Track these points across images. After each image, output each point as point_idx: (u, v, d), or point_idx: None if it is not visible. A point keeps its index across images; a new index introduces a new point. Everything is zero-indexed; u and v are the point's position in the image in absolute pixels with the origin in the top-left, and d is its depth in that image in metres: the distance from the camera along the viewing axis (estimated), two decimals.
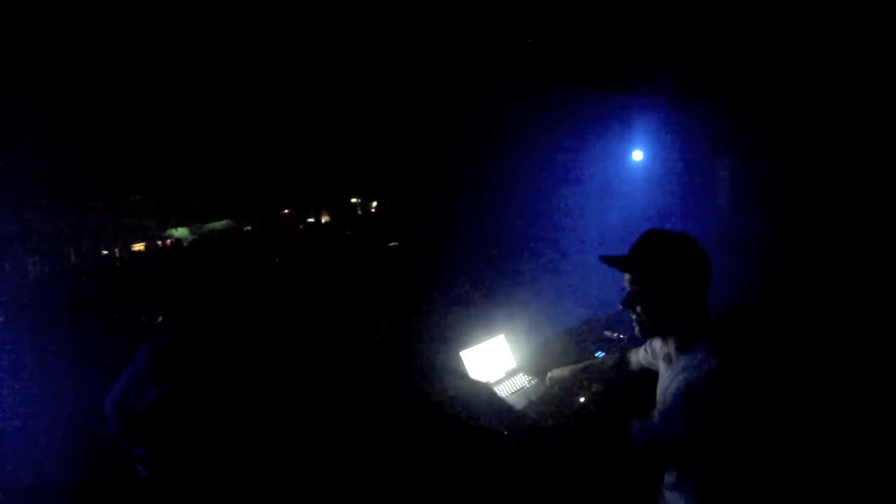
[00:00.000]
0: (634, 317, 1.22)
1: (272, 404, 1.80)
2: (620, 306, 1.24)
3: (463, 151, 6.59)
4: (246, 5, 3.76)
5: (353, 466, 1.87)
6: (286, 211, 19.35)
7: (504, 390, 2.10)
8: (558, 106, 5.33)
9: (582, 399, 1.93)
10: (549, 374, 2.01)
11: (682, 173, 5.47)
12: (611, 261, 1.21)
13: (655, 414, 1.24)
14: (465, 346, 2.16)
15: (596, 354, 2.23)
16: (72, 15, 3.65)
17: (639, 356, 1.63)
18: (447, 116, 6.26)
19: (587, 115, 5.37)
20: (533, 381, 2.16)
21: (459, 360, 2.13)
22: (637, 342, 1.72)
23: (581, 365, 1.99)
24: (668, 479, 1.23)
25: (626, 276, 1.21)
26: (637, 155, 5.61)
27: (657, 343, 1.38)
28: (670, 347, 1.23)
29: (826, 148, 4.45)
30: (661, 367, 1.29)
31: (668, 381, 1.20)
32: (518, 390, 2.11)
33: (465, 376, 2.09)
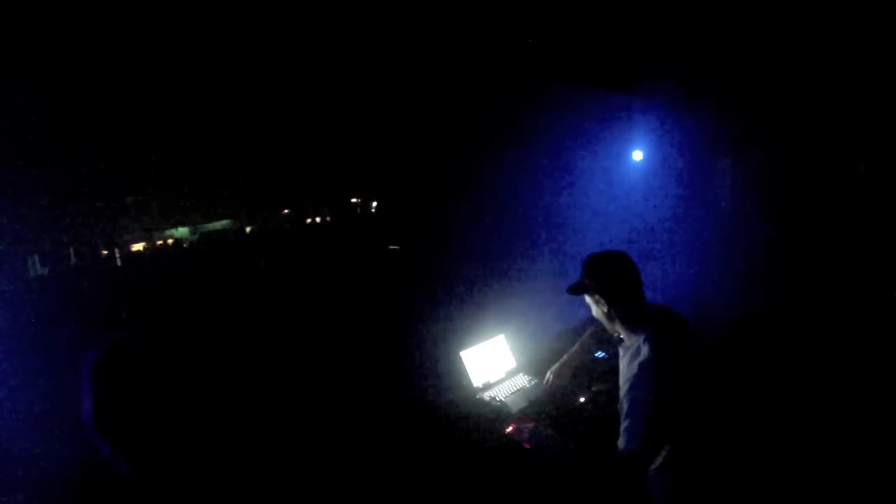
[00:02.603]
0: (599, 319, 1.60)
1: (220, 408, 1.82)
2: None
3: (463, 152, 6.58)
4: (247, 5, 3.76)
5: (349, 464, 1.87)
6: (286, 211, 19.34)
7: (504, 390, 2.10)
8: (559, 106, 5.32)
9: (582, 399, 1.93)
10: (549, 372, 1.99)
11: (683, 173, 5.47)
12: (568, 290, 1.60)
13: (622, 395, 1.46)
14: (465, 346, 2.16)
15: (596, 355, 2.23)
16: (73, 15, 3.65)
17: None
18: (447, 117, 6.26)
19: (587, 116, 5.36)
20: (533, 381, 2.16)
21: (459, 360, 2.13)
22: None
23: (576, 348, 1.97)
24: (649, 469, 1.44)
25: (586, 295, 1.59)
26: (637, 155, 5.61)
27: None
28: (623, 336, 1.56)
29: (826, 149, 4.45)
30: (620, 352, 1.58)
31: (625, 364, 1.50)
32: (518, 390, 2.11)
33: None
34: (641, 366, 1.39)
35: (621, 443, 1.37)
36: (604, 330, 1.96)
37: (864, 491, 1.95)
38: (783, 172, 4.73)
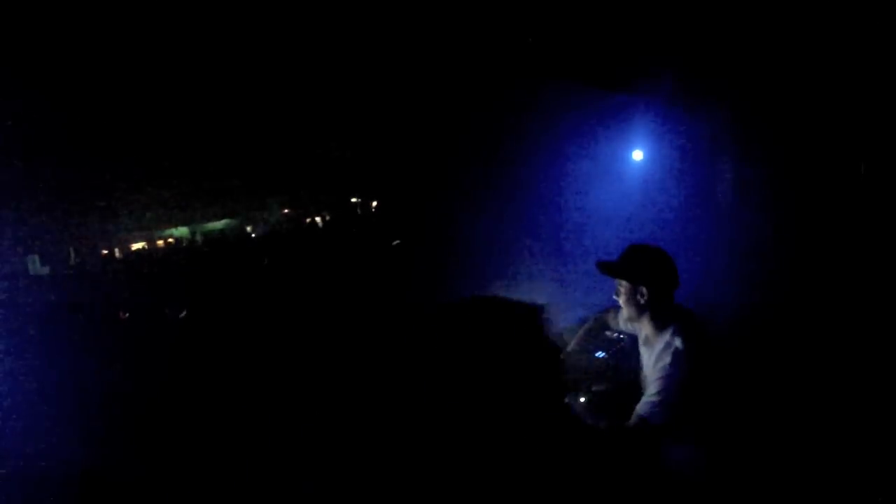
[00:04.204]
0: (622, 308, 1.62)
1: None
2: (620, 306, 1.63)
3: (462, 151, 6.58)
4: (247, 5, 3.76)
5: (349, 464, 1.87)
6: (286, 211, 19.34)
7: None
8: (558, 105, 5.32)
9: (582, 399, 1.93)
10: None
11: (683, 173, 5.46)
12: (603, 267, 1.60)
13: (645, 387, 1.52)
14: None
15: (596, 354, 2.23)
16: (72, 13, 3.65)
17: (618, 320, 1.89)
18: (446, 116, 6.26)
19: (587, 115, 5.36)
20: None
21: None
22: (636, 342, 1.75)
23: (576, 345, 1.96)
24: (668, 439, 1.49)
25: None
26: (637, 155, 5.60)
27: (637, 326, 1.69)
28: (648, 332, 1.58)
29: (827, 148, 4.44)
30: (643, 350, 1.62)
31: (652, 360, 1.53)
32: None
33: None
34: (675, 354, 1.44)
35: (645, 412, 1.41)
36: (603, 327, 1.96)
37: (865, 491, 1.95)
38: (784, 172, 4.73)
